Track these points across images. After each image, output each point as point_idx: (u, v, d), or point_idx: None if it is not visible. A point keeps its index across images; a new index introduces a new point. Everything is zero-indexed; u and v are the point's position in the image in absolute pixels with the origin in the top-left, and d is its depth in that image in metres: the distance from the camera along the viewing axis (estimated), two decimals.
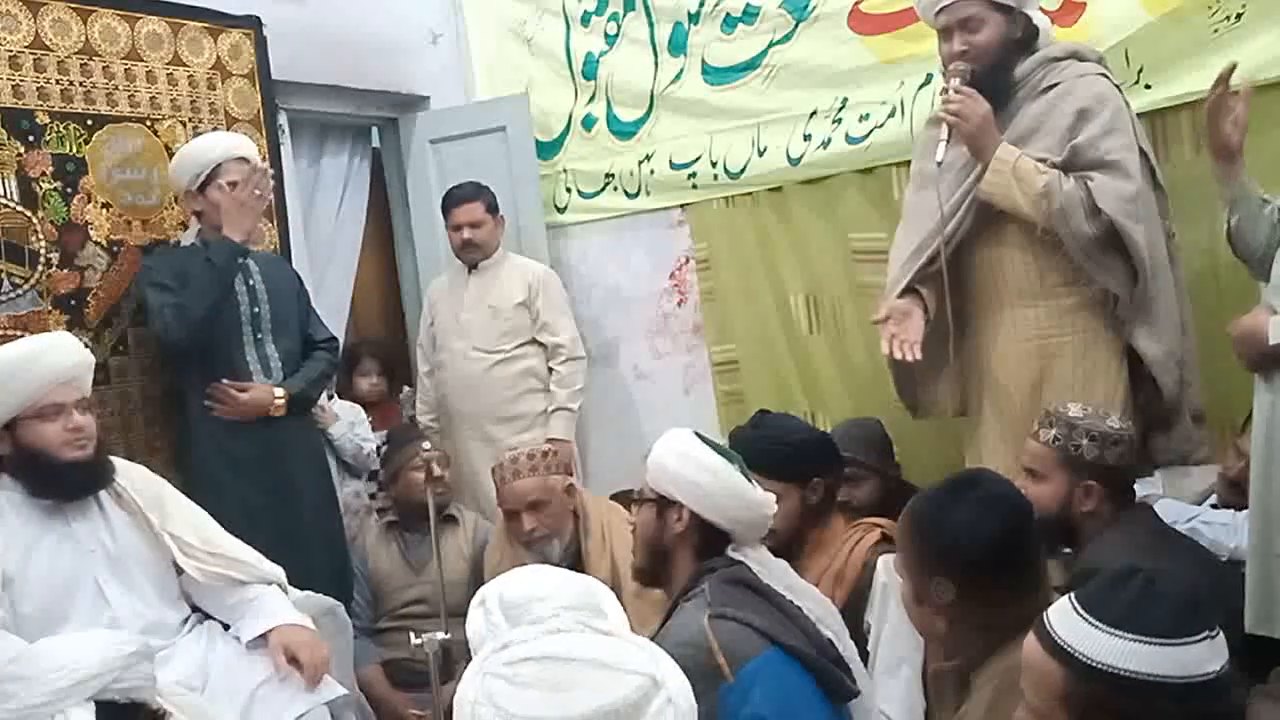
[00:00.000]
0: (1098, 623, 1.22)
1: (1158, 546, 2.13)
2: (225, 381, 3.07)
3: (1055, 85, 2.60)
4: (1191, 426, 2.62)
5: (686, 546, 1.98)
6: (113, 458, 2.52)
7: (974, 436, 2.76)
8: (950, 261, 2.67)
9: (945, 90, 2.61)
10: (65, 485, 2.37)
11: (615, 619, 1.31)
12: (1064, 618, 1.26)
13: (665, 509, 1.99)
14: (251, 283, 3.19)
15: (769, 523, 2.00)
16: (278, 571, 2.55)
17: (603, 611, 1.30)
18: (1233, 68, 2.31)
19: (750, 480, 1.97)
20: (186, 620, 2.48)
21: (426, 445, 3.15)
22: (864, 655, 2.19)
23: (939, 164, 2.59)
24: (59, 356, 2.38)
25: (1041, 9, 2.73)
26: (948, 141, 2.60)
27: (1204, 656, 1.19)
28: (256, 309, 3.18)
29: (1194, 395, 2.65)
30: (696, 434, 2.02)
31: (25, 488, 2.36)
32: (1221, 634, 1.22)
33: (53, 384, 2.34)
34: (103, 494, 2.44)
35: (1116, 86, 2.60)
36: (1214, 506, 2.61)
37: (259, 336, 3.18)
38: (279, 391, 3.14)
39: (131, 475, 2.52)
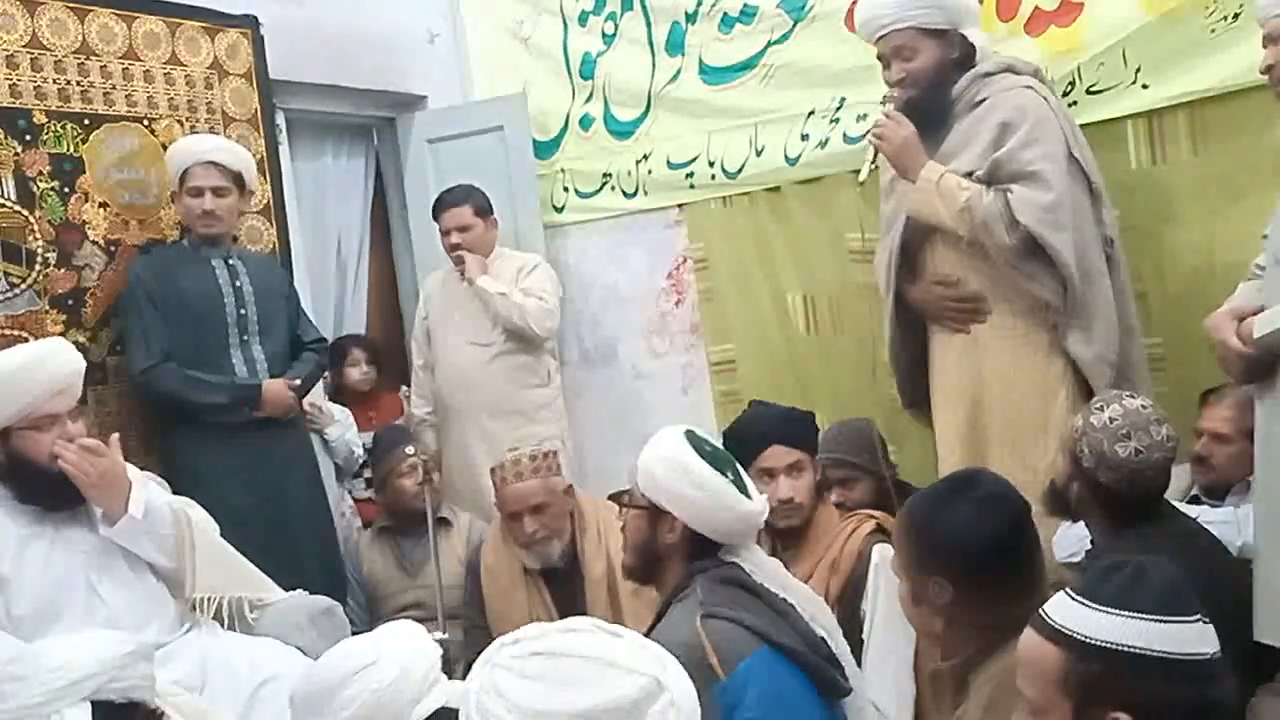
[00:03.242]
0: (1091, 603, 1.24)
1: (1173, 551, 2.08)
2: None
3: (984, 100, 2.66)
4: None
5: (678, 553, 1.95)
6: None
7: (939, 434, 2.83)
8: (909, 267, 2.78)
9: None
10: (55, 494, 2.36)
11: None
12: (1059, 606, 1.28)
13: (657, 517, 1.95)
14: (239, 284, 3.19)
15: (760, 526, 1.98)
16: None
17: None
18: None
19: (744, 487, 1.93)
20: (185, 618, 2.47)
21: (409, 450, 3.12)
22: (860, 643, 2.19)
23: (861, 183, 2.83)
24: (57, 366, 2.36)
25: (1039, 9, 2.74)
26: (871, 162, 2.77)
27: (1196, 636, 1.21)
28: (243, 310, 3.18)
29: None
30: (689, 434, 1.95)
31: (13, 493, 2.35)
32: (1210, 626, 1.23)
33: (50, 394, 2.33)
34: None
35: (1045, 99, 2.63)
36: (1196, 497, 2.61)
37: (245, 338, 3.18)
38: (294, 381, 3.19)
39: None
